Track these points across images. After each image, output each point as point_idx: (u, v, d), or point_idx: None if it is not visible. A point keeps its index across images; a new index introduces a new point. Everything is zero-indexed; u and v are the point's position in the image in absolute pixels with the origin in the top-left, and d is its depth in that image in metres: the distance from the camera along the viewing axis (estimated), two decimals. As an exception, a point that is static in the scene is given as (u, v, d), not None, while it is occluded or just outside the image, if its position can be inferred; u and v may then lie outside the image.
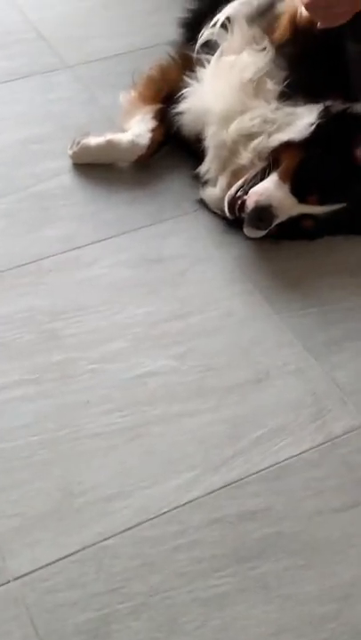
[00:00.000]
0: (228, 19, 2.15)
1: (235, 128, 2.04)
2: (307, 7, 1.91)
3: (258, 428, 1.72)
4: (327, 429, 1.73)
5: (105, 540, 1.54)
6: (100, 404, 1.74)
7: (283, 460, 1.67)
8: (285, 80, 2.04)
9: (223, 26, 2.16)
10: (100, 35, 2.63)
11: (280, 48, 2.10)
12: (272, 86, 2.05)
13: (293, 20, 2.09)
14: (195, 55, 2.19)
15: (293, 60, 2.07)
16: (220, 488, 1.63)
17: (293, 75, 2.05)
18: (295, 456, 1.68)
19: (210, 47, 2.17)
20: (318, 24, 1.95)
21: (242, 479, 1.64)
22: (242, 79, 2.07)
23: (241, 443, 1.70)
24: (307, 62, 2.06)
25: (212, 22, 2.17)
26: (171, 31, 2.43)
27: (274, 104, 2.04)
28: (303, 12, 2.01)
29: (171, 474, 1.64)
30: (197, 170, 2.13)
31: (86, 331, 1.86)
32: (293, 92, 2.03)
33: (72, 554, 1.53)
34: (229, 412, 1.74)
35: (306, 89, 2.04)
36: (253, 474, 1.65)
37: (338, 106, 2.00)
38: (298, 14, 2.06)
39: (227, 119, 2.06)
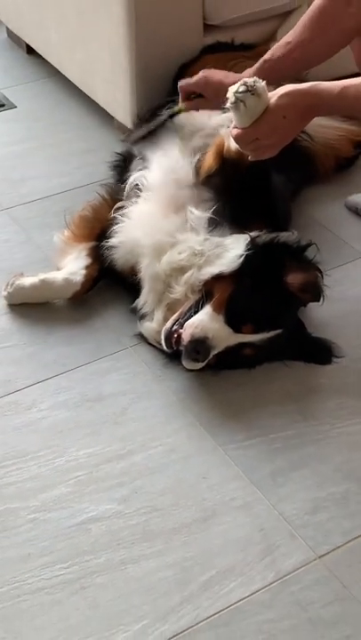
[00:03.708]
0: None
1: (166, 261, 2.04)
2: (236, 140, 1.92)
3: (206, 570, 1.68)
4: (277, 567, 1.68)
5: None
6: (41, 556, 1.69)
7: (233, 604, 1.62)
8: (212, 210, 2.06)
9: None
10: (36, 176, 2.66)
11: (207, 179, 2.12)
12: (199, 216, 2.06)
13: (220, 152, 2.12)
14: (124, 194, 2.22)
15: (220, 191, 2.10)
16: (170, 639, 1.56)
17: (220, 205, 2.07)
18: (245, 598, 1.63)
19: (138, 187, 2.20)
20: (249, 157, 1.96)
21: (192, 627, 1.59)
22: (169, 214, 2.08)
23: (189, 588, 1.65)
24: (233, 193, 2.08)
25: (138, 169, 2.23)
26: (103, 171, 2.51)
27: (202, 235, 2.05)
28: (232, 144, 2.04)
29: (117, 627, 1.58)
30: (134, 303, 2.13)
31: (26, 478, 1.83)
32: (220, 221, 2.05)
33: None
34: (176, 555, 1.70)
35: (233, 219, 2.06)
36: (203, 620, 1.59)
37: (265, 236, 2.01)
38: (225, 147, 2.10)
39: (158, 251, 2.07)
